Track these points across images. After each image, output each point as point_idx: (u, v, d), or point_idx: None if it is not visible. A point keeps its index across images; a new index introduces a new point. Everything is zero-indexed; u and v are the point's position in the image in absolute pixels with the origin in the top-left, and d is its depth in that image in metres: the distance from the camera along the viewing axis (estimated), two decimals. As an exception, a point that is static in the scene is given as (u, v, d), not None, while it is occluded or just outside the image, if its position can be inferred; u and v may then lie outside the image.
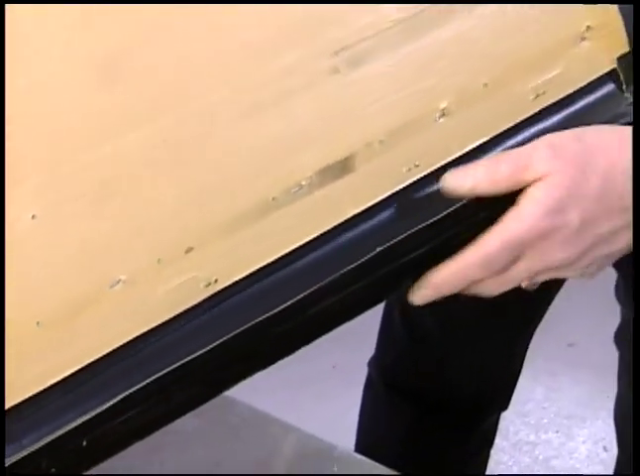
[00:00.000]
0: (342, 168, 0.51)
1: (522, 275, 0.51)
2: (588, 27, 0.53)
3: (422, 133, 0.52)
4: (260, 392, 1.45)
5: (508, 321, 0.90)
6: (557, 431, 1.46)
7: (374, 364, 0.99)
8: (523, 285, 0.53)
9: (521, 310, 0.90)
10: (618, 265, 0.73)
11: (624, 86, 0.54)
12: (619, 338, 0.77)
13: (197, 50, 0.47)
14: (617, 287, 0.75)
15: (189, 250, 0.49)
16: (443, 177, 0.51)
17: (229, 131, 0.49)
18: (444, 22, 0.51)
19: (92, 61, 0.45)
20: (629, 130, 0.50)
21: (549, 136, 0.50)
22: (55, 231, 0.46)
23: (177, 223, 0.49)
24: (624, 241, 0.50)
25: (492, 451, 1.41)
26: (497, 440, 1.47)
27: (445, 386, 0.94)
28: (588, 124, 0.53)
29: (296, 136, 0.50)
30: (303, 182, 0.51)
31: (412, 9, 0.50)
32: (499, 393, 0.97)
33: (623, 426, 0.79)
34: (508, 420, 1.48)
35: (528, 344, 0.94)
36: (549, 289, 0.88)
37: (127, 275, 0.49)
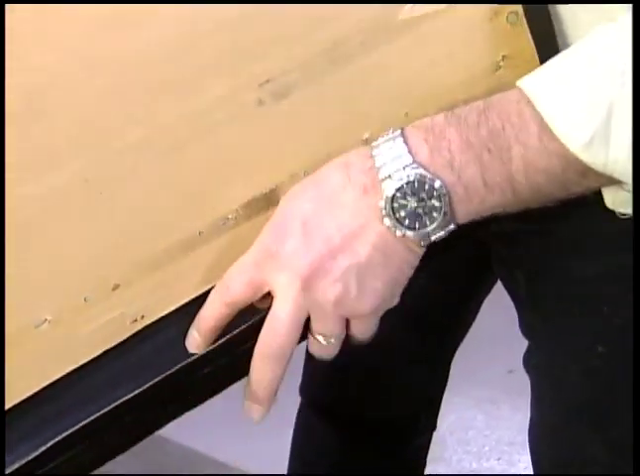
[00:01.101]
0: (267, 199, 0.51)
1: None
2: (504, 56, 0.54)
3: None
4: (196, 428, 1.43)
5: (430, 341, 0.91)
6: (498, 459, 1.46)
7: (302, 388, 0.99)
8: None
9: (442, 330, 0.91)
10: (513, 295, 0.74)
11: None
12: (526, 365, 0.78)
13: (119, 87, 0.47)
14: (519, 320, 0.77)
15: (116, 287, 0.49)
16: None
17: (152, 168, 0.48)
18: (366, 54, 0.51)
19: (20, 94, 0.45)
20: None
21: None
22: None
23: (103, 261, 0.49)
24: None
25: (436, 481, 1.41)
26: (441, 470, 1.48)
27: (370, 407, 0.95)
28: None
29: (222, 170, 0.50)
30: (230, 216, 0.51)
31: (334, 40, 0.50)
32: (423, 412, 0.98)
33: (538, 452, 0.80)
34: (451, 449, 1.48)
35: (450, 363, 0.95)
36: (467, 303, 0.89)
37: (53, 314, 0.48)
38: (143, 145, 0.48)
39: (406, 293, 0.87)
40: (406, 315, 0.88)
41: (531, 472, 0.81)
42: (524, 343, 0.80)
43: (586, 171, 0.48)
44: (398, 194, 0.48)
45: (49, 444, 0.48)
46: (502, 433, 1.50)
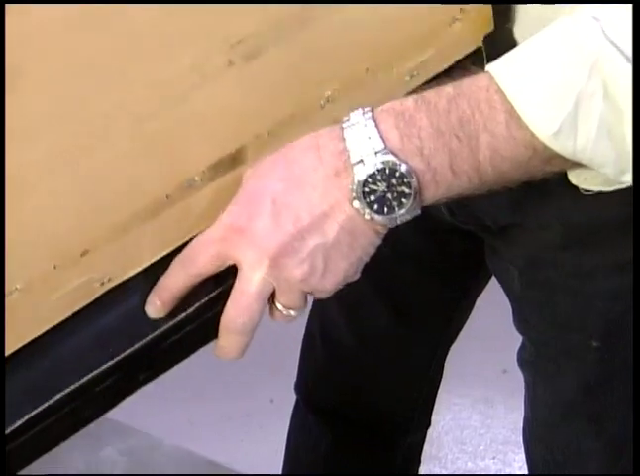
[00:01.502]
0: (233, 160, 0.52)
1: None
2: (461, 9, 0.55)
3: (308, 120, 0.53)
4: (194, 428, 1.43)
5: (424, 337, 0.91)
6: (494, 458, 1.46)
7: (297, 385, 0.99)
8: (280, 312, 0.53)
9: (436, 326, 0.91)
10: (508, 289, 0.75)
11: (486, 63, 0.57)
12: (520, 361, 0.79)
13: (90, 55, 0.47)
14: (513, 315, 0.77)
15: (85, 253, 0.50)
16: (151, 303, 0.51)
17: (123, 135, 0.49)
18: (328, 13, 0.52)
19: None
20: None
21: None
22: None
23: (72, 228, 0.49)
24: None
25: (431, 480, 1.41)
26: (436, 469, 1.48)
27: (363, 404, 0.95)
28: None
29: (190, 133, 0.50)
30: (196, 178, 0.51)
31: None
32: (418, 409, 0.98)
33: (533, 449, 0.80)
34: (446, 449, 1.48)
35: (444, 361, 0.96)
36: (460, 301, 0.90)
37: (23, 283, 0.48)
38: (114, 114, 0.48)
39: (399, 291, 0.88)
40: (400, 313, 0.89)
41: (526, 471, 0.82)
42: (519, 343, 0.81)
43: (551, 158, 0.49)
44: (369, 180, 0.49)
45: (25, 418, 0.49)
46: (497, 433, 1.50)
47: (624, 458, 0.73)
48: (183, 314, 0.51)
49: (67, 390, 0.49)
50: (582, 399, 0.73)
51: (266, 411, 1.46)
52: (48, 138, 0.47)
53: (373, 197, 0.49)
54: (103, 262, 0.50)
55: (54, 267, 0.49)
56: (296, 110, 0.52)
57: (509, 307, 0.79)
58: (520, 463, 1.43)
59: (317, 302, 0.93)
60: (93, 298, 0.50)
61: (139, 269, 0.51)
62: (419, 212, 0.50)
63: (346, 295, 0.88)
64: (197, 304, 0.52)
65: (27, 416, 0.49)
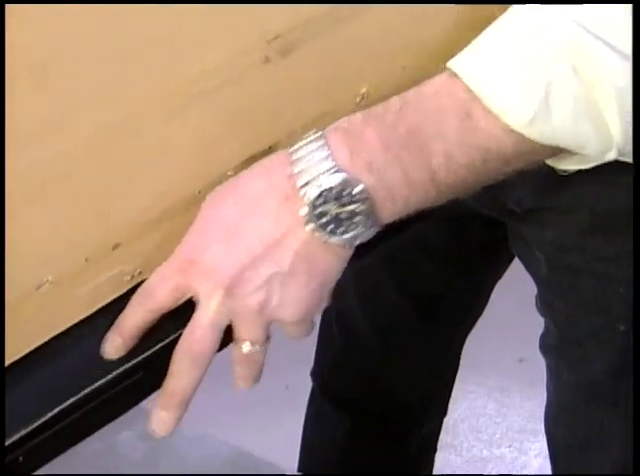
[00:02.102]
0: (266, 156, 0.51)
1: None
2: (498, 8, 0.54)
3: (343, 117, 0.51)
4: (210, 414, 1.44)
5: (440, 326, 0.91)
6: (509, 446, 1.47)
7: (313, 372, 0.99)
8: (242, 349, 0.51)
9: (453, 316, 0.91)
10: (533, 273, 0.75)
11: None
12: (542, 347, 0.79)
13: (124, 49, 0.46)
14: (536, 298, 0.77)
15: (116, 246, 0.49)
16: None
17: (156, 130, 0.48)
18: (365, 10, 0.51)
19: (18, 63, 0.44)
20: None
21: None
22: None
23: (105, 222, 0.49)
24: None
25: (447, 468, 1.41)
26: (452, 457, 1.48)
27: (379, 393, 0.95)
28: None
29: (223, 129, 0.50)
30: (229, 173, 0.51)
31: None
32: (434, 398, 0.99)
33: (554, 431, 0.80)
34: (462, 436, 1.48)
35: (460, 350, 0.96)
36: (477, 289, 0.90)
37: (54, 275, 0.48)
38: (147, 107, 0.48)
39: (416, 280, 0.88)
40: (417, 302, 0.89)
41: (542, 460, 0.82)
42: (535, 332, 0.81)
43: (509, 158, 0.47)
44: (319, 201, 0.46)
45: (54, 411, 0.49)
46: (513, 421, 1.50)
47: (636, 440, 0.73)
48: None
49: (95, 385, 0.49)
50: (607, 382, 0.73)
51: (281, 397, 1.47)
52: (76, 130, 0.46)
53: (325, 219, 0.47)
54: (135, 255, 0.50)
55: (86, 260, 0.49)
56: (331, 107, 0.51)
57: (526, 297, 0.79)
58: (536, 451, 1.43)
59: (334, 291, 0.93)
60: (122, 292, 0.50)
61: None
62: (377, 229, 0.48)
63: (364, 285, 0.89)
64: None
65: (55, 410, 0.48)
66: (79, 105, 0.46)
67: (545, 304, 0.76)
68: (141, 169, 0.49)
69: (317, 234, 0.47)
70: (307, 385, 1.01)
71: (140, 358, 0.50)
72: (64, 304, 0.49)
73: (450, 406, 1.01)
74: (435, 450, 1.04)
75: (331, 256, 0.49)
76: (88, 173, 0.47)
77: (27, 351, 0.49)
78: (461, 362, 0.98)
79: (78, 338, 0.50)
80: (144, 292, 0.49)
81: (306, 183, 0.47)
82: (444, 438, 1.06)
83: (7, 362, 0.49)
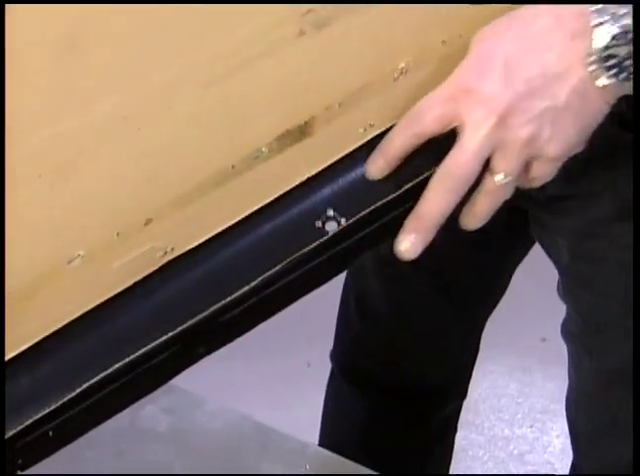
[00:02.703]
0: (301, 132, 0.51)
1: (503, 174, 0.52)
2: None
3: (381, 93, 0.52)
4: (232, 390, 1.45)
5: (462, 308, 0.91)
6: (531, 426, 1.46)
7: (333, 354, 0.99)
8: (519, 184, 0.53)
9: (474, 298, 0.91)
10: (555, 261, 0.74)
11: None
12: (564, 332, 0.78)
13: (155, 21, 0.46)
14: (558, 285, 0.76)
15: (148, 222, 0.49)
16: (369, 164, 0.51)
17: (189, 103, 0.48)
18: None
19: (47, 37, 0.43)
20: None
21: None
22: (14, 210, 0.46)
23: (137, 196, 0.49)
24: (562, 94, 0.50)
25: (468, 446, 1.41)
26: (473, 435, 1.48)
27: (398, 372, 0.95)
28: None
29: (258, 102, 0.49)
30: (263, 149, 0.50)
31: None
32: (454, 380, 0.98)
33: (575, 416, 0.80)
34: (483, 416, 1.48)
35: (481, 332, 0.95)
36: (499, 271, 0.89)
37: (85, 250, 0.48)
38: (180, 81, 0.47)
39: (438, 262, 0.87)
40: (439, 283, 0.89)
41: (564, 440, 0.82)
42: (557, 312, 0.80)
43: None
44: (612, 42, 0.48)
45: (83, 386, 0.48)
46: (535, 401, 1.50)
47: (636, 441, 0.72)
48: (242, 290, 0.51)
49: (126, 360, 0.49)
50: (627, 371, 0.72)
51: (303, 374, 1.48)
52: (108, 101, 0.46)
53: (611, 62, 0.48)
54: (167, 232, 0.50)
55: (117, 234, 0.49)
56: (368, 82, 0.51)
57: (548, 277, 0.78)
58: (558, 431, 1.43)
59: (354, 272, 0.93)
60: (155, 268, 0.50)
61: (202, 240, 0.51)
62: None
63: (384, 265, 0.89)
64: (258, 279, 0.51)
65: (85, 385, 0.49)
66: (111, 76, 0.46)
67: (567, 291, 0.75)
68: (173, 142, 0.48)
69: (598, 75, 0.49)
70: (329, 363, 1.01)
71: (171, 334, 0.50)
72: (97, 279, 0.49)
73: (471, 385, 1.00)
74: (455, 432, 1.04)
75: (602, 100, 0.50)
76: (119, 146, 0.47)
77: (60, 325, 0.49)
78: (482, 341, 0.97)
79: (110, 314, 0.50)
80: (412, 116, 0.51)
81: (600, 24, 0.48)
82: (465, 416, 1.06)
83: (42, 335, 0.49)
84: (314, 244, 0.51)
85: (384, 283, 0.90)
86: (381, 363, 0.95)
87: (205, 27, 0.47)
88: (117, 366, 0.49)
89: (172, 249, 0.50)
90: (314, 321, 1.35)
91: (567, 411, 0.81)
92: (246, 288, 0.51)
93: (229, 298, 0.51)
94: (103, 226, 0.48)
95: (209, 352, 0.52)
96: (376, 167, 0.52)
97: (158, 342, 0.50)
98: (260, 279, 0.51)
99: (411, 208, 0.53)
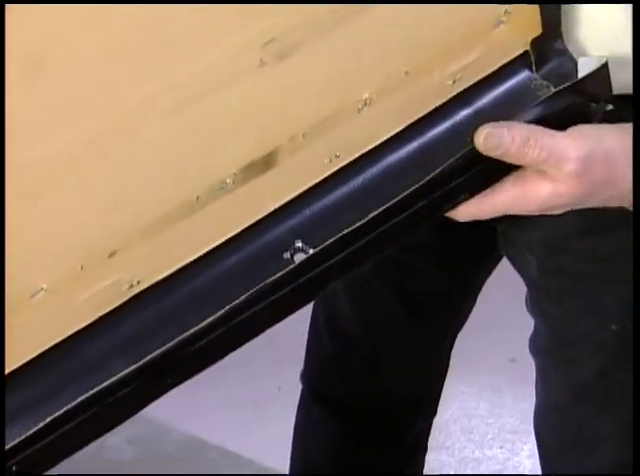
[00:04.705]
0: (265, 163, 0.51)
1: None
2: (506, 11, 0.53)
3: (345, 124, 0.52)
4: (202, 416, 1.43)
5: (430, 327, 0.91)
6: (501, 447, 1.46)
7: (303, 375, 0.99)
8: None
9: (442, 316, 0.91)
10: (524, 275, 0.75)
11: (534, 67, 0.56)
12: (532, 347, 0.79)
13: (121, 47, 0.45)
14: (526, 299, 0.77)
15: (113, 254, 0.49)
16: (479, 130, 0.53)
17: (153, 131, 0.47)
18: (365, 12, 0.50)
19: (13, 60, 0.43)
20: None
21: (585, 146, 0.53)
22: None
23: (101, 228, 0.48)
24: None
25: (439, 468, 1.41)
26: (444, 457, 1.48)
27: (368, 392, 0.95)
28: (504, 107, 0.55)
29: (221, 132, 0.49)
30: (228, 180, 0.50)
31: None
32: (424, 399, 0.98)
33: (543, 432, 0.80)
34: (454, 437, 1.48)
35: (450, 348, 0.95)
36: (466, 288, 0.89)
37: (48, 283, 0.47)
38: (145, 107, 0.47)
39: (406, 281, 0.88)
40: (407, 303, 0.89)
41: (534, 460, 0.82)
42: (526, 332, 0.80)
43: None
44: None
45: (46, 421, 0.48)
46: (505, 421, 1.50)
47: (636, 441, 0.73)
48: (209, 319, 0.50)
49: (92, 392, 0.48)
50: (597, 382, 0.73)
51: (273, 398, 1.47)
52: (72, 131, 0.45)
53: None
54: (132, 264, 0.49)
55: (81, 267, 0.48)
56: (332, 112, 0.51)
57: (517, 295, 0.79)
58: (528, 452, 1.43)
59: (323, 293, 0.92)
60: (121, 302, 0.50)
61: (168, 272, 0.50)
62: None
63: (353, 285, 0.89)
64: (225, 309, 0.51)
65: (48, 419, 0.48)
66: (77, 101, 0.45)
67: (535, 306, 0.76)
68: (138, 170, 0.48)
69: None
70: (299, 386, 1.01)
71: (137, 366, 0.49)
72: (62, 313, 0.48)
73: (441, 406, 1.00)
74: (426, 451, 1.04)
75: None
76: (82, 177, 0.47)
77: (24, 360, 0.48)
78: (452, 362, 0.97)
79: (75, 346, 0.50)
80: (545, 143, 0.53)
81: None
82: (436, 439, 1.05)
83: (6, 370, 0.48)
84: (281, 274, 0.51)
85: (353, 302, 0.90)
86: (351, 383, 0.95)
87: (168, 54, 0.47)
88: (82, 398, 0.48)
89: (139, 282, 0.50)
90: (284, 344, 1.35)
91: (535, 426, 0.82)
92: (212, 318, 0.50)
93: (196, 329, 0.50)
94: (66, 258, 0.48)
95: (177, 384, 0.52)
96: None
97: (124, 374, 0.49)
98: (226, 309, 0.50)
99: (380, 234, 0.53)
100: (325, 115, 0.51)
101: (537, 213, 0.56)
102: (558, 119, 0.54)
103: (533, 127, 0.53)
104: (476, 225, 0.77)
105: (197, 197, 0.50)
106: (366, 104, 0.52)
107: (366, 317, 0.90)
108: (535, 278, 0.73)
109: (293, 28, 0.49)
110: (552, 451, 0.79)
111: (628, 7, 0.55)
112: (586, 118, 0.55)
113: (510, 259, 0.77)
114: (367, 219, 0.52)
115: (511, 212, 0.56)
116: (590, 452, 0.75)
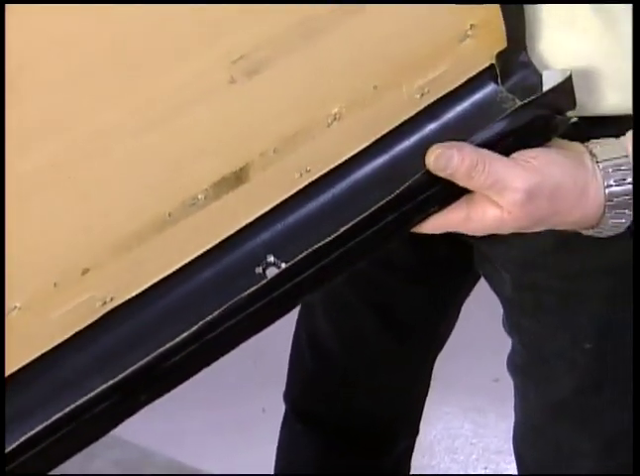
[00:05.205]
0: (237, 178, 0.51)
1: None
2: (472, 25, 0.54)
3: (315, 138, 0.53)
4: (186, 438, 1.43)
5: (410, 345, 0.92)
6: (485, 468, 1.46)
7: (286, 394, 0.99)
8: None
9: (422, 334, 0.91)
10: (499, 293, 0.75)
11: (500, 80, 0.57)
12: (510, 366, 0.79)
13: (87, 68, 0.46)
14: (503, 319, 0.78)
15: (85, 271, 0.49)
16: (431, 149, 0.54)
17: (122, 149, 0.48)
18: (333, 27, 0.51)
19: None
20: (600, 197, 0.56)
21: (533, 178, 0.55)
22: None
23: (73, 246, 0.48)
24: None
25: (423, 489, 1.40)
26: (429, 478, 1.48)
27: (351, 413, 0.95)
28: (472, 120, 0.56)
29: (192, 149, 0.50)
30: (199, 196, 0.51)
31: (305, 11, 0.50)
32: (407, 418, 0.99)
33: (523, 451, 0.81)
34: (438, 458, 1.48)
35: (431, 369, 0.96)
36: (445, 306, 0.90)
37: (22, 301, 0.48)
38: (113, 127, 0.47)
39: (385, 299, 0.88)
40: (386, 321, 0.89)
41: (518, 479, 0.82)
42: (507, 353, 0.81)
43: None
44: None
45: (21, 440, 0.48)
46: (489, 442, 1.50)
47: (615, 458, 0.73)
48: (184, 335, 0.51)
49: (66, 410, 0.49)
50: (573, 400, 0.73)
51: (258, 420, 1.46)
52: (44, 149, 0.46)
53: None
54: (105, 281, 0.50)
55: (55, 285, 0.48)
56: (302, 128, 0.52)
57: (499, 316, 0.79)
58: (512, 472, 1.43)
59: (304, 311, 0.93)
60: (95, 319, 0.50)
61: (142, 288, 0.51)
62: None
63: (332, 303, 0.89)
64: (199, 324, 0.51)
65: (24, 438, 0.48)
66: (38, 129, 0.46)
67: (511, 324, 0.76)
68: (107, 189, 0.48)
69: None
70: (284, 407, 1.01)
71: (111, 383, 0.50)
72: (36, 331, 0.49)
73: (425, 426, 1.01)
74: (409, 470, 1.04)
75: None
76: (52, 194, 0.47)
77: None
78: (436, 382, 0.97)
79: (48, 364, 0.50)
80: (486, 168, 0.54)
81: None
82: (420, 459, 1.06)
83: None
84: (254, 288, 0.51)
85: (332, 322, 0.91)
86: (332, 402, 0.95)
87: (137, 73, 0.47)
88: (57, 416, 0.49)
89: (112, 299, 0.50)
90: (268, 366, 1.35)
91: (514, 444, 0.82)
92: (185, 334, 0.51)
93: (169, 345, 0.50)
94: (40, 277, 0.48)
95: (151, 400, 0.52)
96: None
97: (98, 391, 0.49)
98: (199, 325, 0.51)
99: (351, 247, 0.53)
100: (295, 130, 0.52)
101: (483, 234, 0.58)
102: (523, 132, 0.55)
103: (484, 152, 0.54)
104: (452, 243, 0.78)
105: (169, 214, 0.50)
106: (335, 119, 0.53)
107: (344, 336, 0.91)
108: (510, 295, 0.74)
109: (262, 44, 0.50)
110: (531, 469, 0.80)
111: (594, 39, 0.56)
112: (552, 131, 0.56)
113: (486, 277, 0.77)
114: (338, 233, 0.53)
115: (461, 231, 0.57)
116: (568, 470, 0.76)
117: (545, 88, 0.56)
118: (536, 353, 0.75)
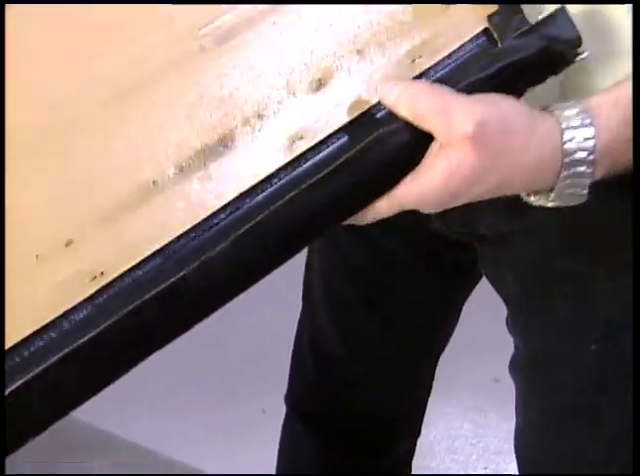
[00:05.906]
0: (222, 144, 0.50)
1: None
2: None
3: (300, 106, 0.52)
4: (186, 439, 1.43)
5: (412, 347, 0.91)
6: (485, 468, 1.46)
7: (287, 397, 0.99)
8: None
9: (423, 336, 0.91)
10: (503, 294, 0.75)
11: (499, 42, 0.55)
12: (512, 368, 0.79)
13: (55, 37, 0.46)
14: (507, 319, 0.77)
15: (69, 243, 0.47)
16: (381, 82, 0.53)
17: (99, 119, 0.47)
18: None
19: None
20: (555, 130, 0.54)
21: (481, 108, 0.52)
22: None
23: (54, 216, 0.47)
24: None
25: (423, 489, 1.40)
26: (429, 479, 1.48)
27: (352, 414, 0.95)
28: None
29: (172, 117, 0.49)
30: (184, 164, 0.50)
31: None
32: (408, 419, 0.98)
33: (524, 453, 0.81)
34: (438, 458, 1.48)
35: (434, 370, 0.95)
36: (446, 308, 0.90)
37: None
38: (85, 96, 0.47)
39: (387, 302, 0.88)
40: (388, 323, 0.89)
41: (518, 480, 0.82)
42: (510, 352, 0.81)
43: None
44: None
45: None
46: (489, 442, 1.50)
47: (617, 459, 0.73)
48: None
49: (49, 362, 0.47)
50: (576, 401, 0.73)
51: (258, 421, 1.46)
52: (21, 116, 0.45)
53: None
54: (90, 253, 0.48)
55: (37, 257, 0.47)
56: (286, 92, 0.51)
57: (500, 317, 0.79)
58: (512, 472, 1.43)
59: (306, 313, 0.93)
60: (85, 296, 0.48)
61: (135, 262, 0.49)
62: None
63: (334, 306, 0.89)
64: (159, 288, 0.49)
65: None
66: (20, 90, 0.45)
67: (516, 325, 0.76)
68: (88, 160, 0.47)
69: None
70: (284, 409, 1.00)
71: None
72: (22, 306, 0.47)
73: (425, 427, 1.00)
74: (410, 471, 1.04)
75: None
76: (33, 163, 0.46)
77: None
78: (436, 382, 0.97)
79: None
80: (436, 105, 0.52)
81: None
82: (420, 460, 1.05)
83: None
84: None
85: (335, 324, 0.90)
86: (334, 403, 0.95)
87: (108, 39, 0.47)
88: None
89: (102, 273, 0.48)
90: (268, 367, 1.35)
91: (515, 446, 0.82)
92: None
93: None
94: (20, 248, 0.46)
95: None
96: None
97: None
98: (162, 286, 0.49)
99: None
100: (279, 97, 0.51)
101: (442, 203, 0.55)
102: (523, 64, 0.53)
103: (435, 84, 0.53)
104: (456, 247, 0.78)
105: (153, 182, 0.49)
106: (320, 85, 0.52)
107: (346, 337, 0.91)
108: (515, 296, 0.74)
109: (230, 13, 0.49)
110: (532, 471, 0.80)
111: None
112: (557, 62, 0.54)
113: (490, 278, 0.77)
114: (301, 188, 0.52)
115: (416, 205, 0.55)
116: (569, 470, 0.75)
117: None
118: (540, 355, 0.75)
